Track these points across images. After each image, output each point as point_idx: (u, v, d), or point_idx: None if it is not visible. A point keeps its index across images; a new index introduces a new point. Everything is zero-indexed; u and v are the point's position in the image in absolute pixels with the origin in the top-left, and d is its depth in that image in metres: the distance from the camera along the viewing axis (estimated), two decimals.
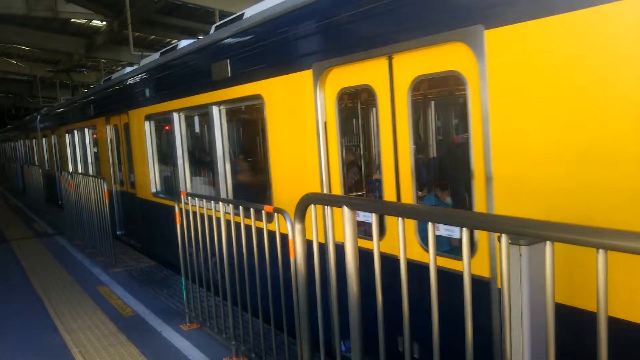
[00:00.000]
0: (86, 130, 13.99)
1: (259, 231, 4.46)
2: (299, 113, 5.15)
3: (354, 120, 6.53)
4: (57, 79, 33.94)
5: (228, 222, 4.92)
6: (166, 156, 9.18)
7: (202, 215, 5.36)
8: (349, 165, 5.66)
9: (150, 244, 10.07)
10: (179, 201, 5.75)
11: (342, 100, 4.80)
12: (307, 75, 4.93)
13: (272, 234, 4.36)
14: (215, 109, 6.82)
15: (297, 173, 5.30)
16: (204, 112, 7.28)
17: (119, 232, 11.95)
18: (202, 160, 8.41)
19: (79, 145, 15.07)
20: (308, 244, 3.70)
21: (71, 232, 11.94)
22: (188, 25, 21.34)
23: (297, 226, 3.66)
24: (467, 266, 2.51)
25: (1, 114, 48.66)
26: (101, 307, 6.96)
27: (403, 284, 2.87)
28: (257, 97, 5.78)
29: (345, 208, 3.23)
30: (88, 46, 26.64)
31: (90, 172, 13.71)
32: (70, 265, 9.47)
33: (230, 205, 4.84)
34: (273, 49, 5.51)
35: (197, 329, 5.91)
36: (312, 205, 3.55)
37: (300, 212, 3.61)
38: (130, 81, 10.22)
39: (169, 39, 24.60)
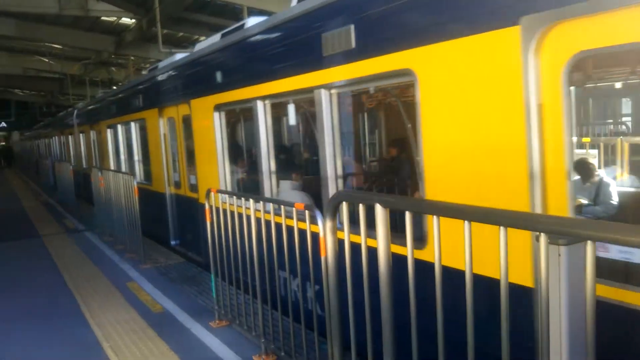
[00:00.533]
0: (132, 124, 12.47)
1: (290, 229, 4.43)
2: (485, 92, 3.68)
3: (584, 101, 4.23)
4: (87, 76, 34.49)
5: (259, 220, 4.89)
6: (242, 155, 7.95)
7: (232, 213, 5.35)
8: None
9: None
10: (209, 198, 5.76)
11: (572, 71, 3.31)
12: (506, 35, 3.43)
13: (304, 233, 4.32)
14: (324, 94, 5.24)
15: (479, 182, 3.78)
16: (304, 99, 5.97)
17: (172, 243, 10.47)
18: (297, 161, 7.05)
19: (123, 141, 13.58)
20: (342, 243, 3.62)
21: (101, 229, 12.08)
22: (217, 22, 21.43)
23: (328, 224, 3.62)
24: (504, 268, 2.45)
25: (33, 112, 49.96)
26: (131, 302, 7.03)
27: (438, 292, 2.80)
28: (404, 72, 4.29)
29: (379, 206, 3.17)
30: (117, 44, 27.05)
31: (137, 172, 12.36)
32: (100, 261, 9.60)
33: (261, 202, 4.82)
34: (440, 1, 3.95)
35: (226, 326, 5.92)
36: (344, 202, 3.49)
37: (332, 209, 3.57)
38: (192, 66, 8.64)
39: (197, 36, 24.78)
